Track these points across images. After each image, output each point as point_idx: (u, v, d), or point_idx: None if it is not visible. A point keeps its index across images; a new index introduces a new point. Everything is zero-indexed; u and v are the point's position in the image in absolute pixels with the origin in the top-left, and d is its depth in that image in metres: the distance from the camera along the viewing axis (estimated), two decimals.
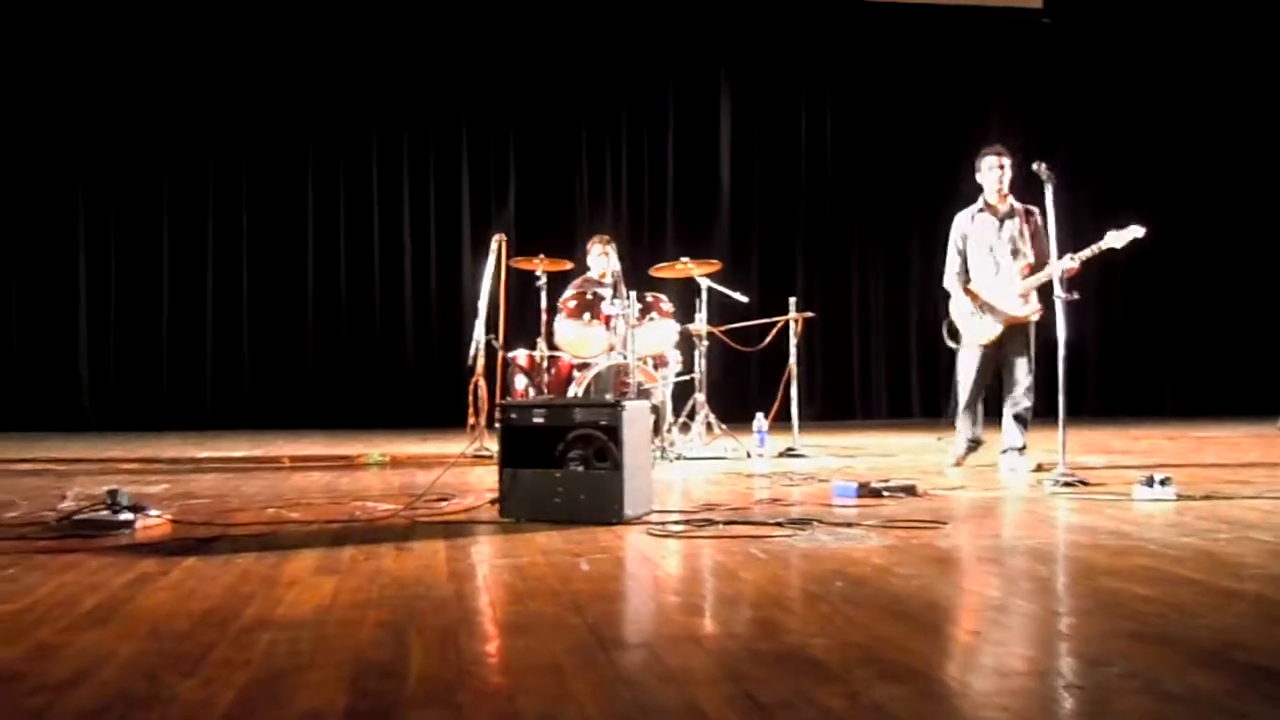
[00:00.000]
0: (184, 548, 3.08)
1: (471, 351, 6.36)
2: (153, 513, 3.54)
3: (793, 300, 6.62)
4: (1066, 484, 4.39)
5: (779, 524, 3.42)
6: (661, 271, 6.65)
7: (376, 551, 3.00)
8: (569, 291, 6.41)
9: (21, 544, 3.16)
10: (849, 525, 3.42)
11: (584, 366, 6.21)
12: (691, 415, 6.42)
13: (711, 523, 3.48)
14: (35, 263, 9.47)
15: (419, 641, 2.01)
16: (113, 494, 3.51)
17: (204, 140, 9.69)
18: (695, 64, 10.45)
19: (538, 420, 3.58)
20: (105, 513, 3.41)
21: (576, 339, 6.22)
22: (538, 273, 6.52)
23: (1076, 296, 4.68)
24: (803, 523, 3.44)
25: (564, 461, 3.52)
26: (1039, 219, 5.25)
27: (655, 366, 6.25)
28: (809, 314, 6.67)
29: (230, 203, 9.75)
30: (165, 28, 9.54)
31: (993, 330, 5.30)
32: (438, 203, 10.07)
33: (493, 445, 6.00)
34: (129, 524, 3.36)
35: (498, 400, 6.14)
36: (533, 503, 3.55)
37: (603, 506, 3.46)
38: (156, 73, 9.57)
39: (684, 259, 6.57)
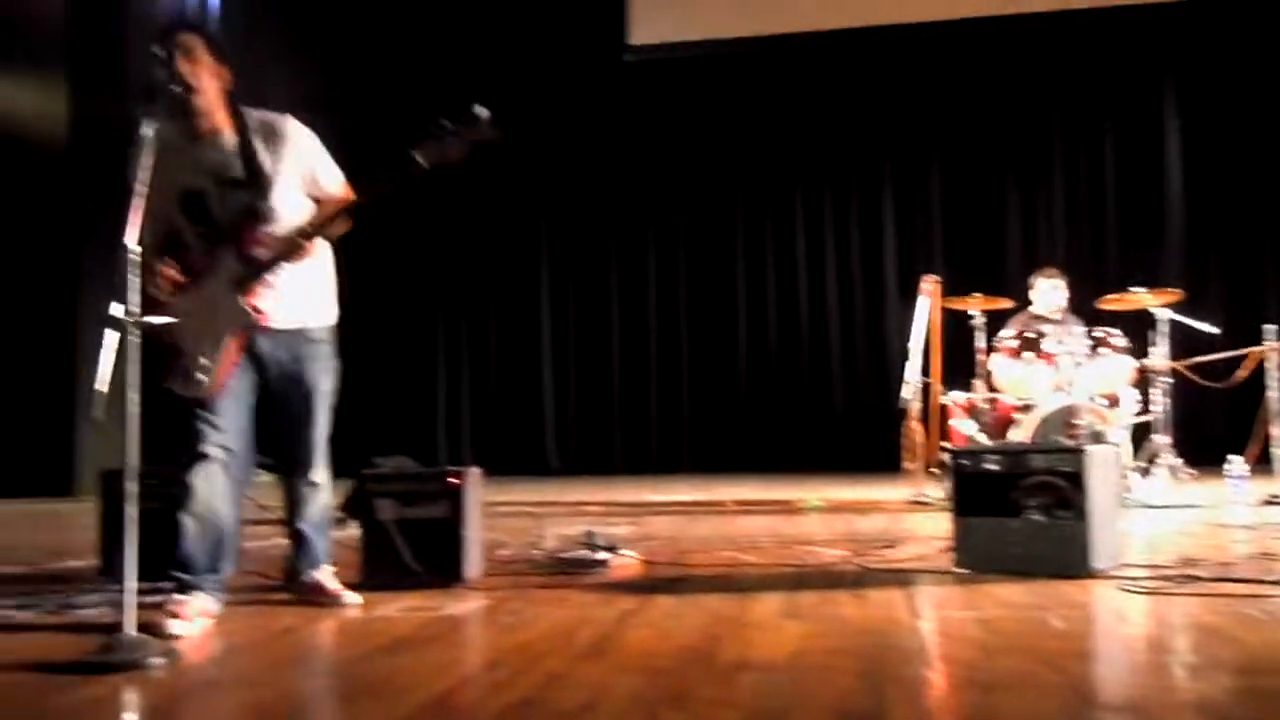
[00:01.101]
0: (655, 586, 3.30)
1: (906, 395, 6.31)
2: (624, 552, 3.82)
3: (1269, 329, 5.94)
4: None
5: (1277, 582, 3.06)
6: (1111, 303, 6.23)
7: (834, 598, 3.05)
8: (1008, 330, 6.18)
9: (517, 580, 3.53)
10: None
11: (1027, 408, 5.94)
12: (1152, 459, 5.93)
13: (1192, 578, 3.18)
14: (506, 322, 10.59)
15: (896, 693, 2.02)
16: (589, 535, 3.85)
17: (643, 196, 10.40)
18: (1135, 76, 9.73)
19: (991, 466, 3.47)
20: (584, 552, 3.74)
21: (1018, 379, 5.97)
22: (973, 312, 6.36)
23: None
24: None
25: (1021, 510, 3.38)
26: None
27: (1108, 407, 5.85)
28: None
29: (668, 254, 10.38)
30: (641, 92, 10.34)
31: None
32: (862, 242, 10.11)
33: (930, 491, 5.91)
34: (604, 563, 3.66)
35: (937, 444, 6.05)
36: (988, 553, 3.44)
37: (1067, 559, 3.28)
38: (616, 137, 10.40)
39: (1136, 288, 6.11)
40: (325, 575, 3.19)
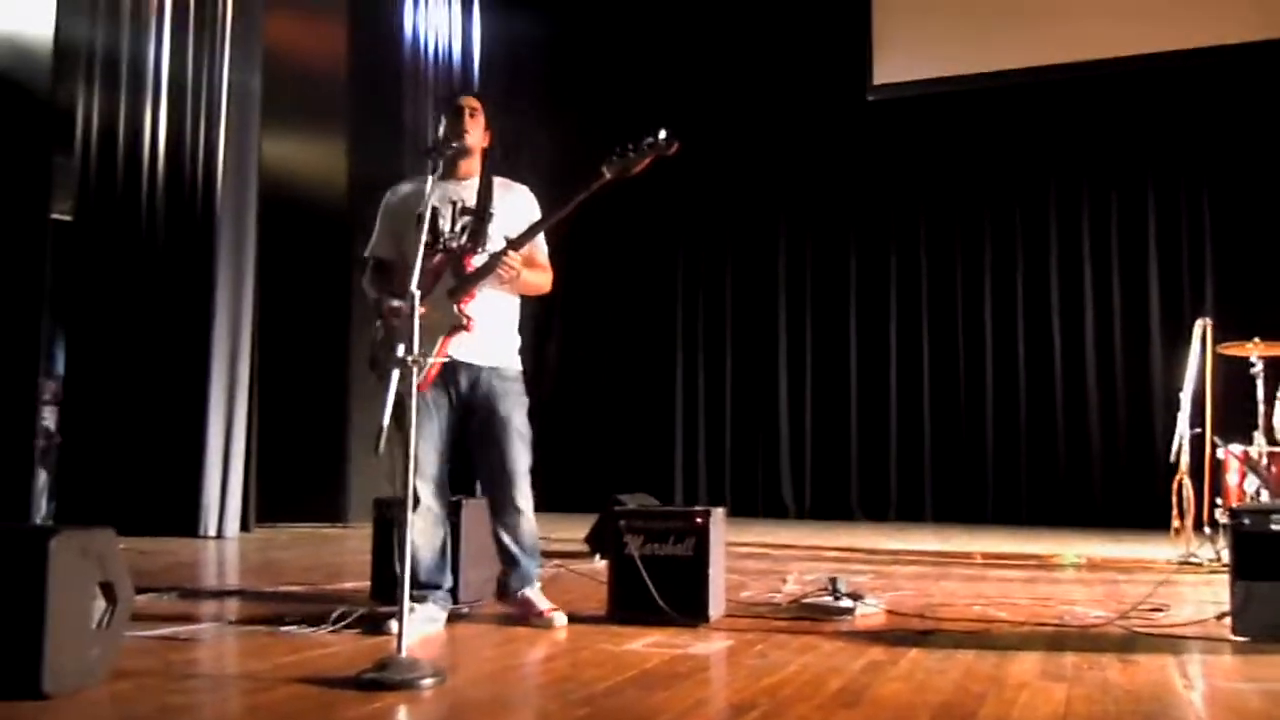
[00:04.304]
0: (904, 639, 3.22)
1: (1175, 447, 5.91)
2: (869, 601, 3.75)
3: None
4: None
5: None
6: None
7: (1099, 661, 2.89)
8: None
9: (759, 622, 3.53)
10: None
11: None
12: None
13: None
14: (743, 362, 10.64)
15: None
16: (833, 581, 3.80)
17: (885, 235, 10.24)
18: None
19: (1277, 526, 3.21)
20: (828, 599, 3.70)
21: None
22: (1252, 358, 5.91)
23: None
24: None
25: None
26: None
27: None
28: None
29: (910, 295, 10.16)
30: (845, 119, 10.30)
31: None
32: (1123, 280, 9.55)
33: (1202, 551, 5.49)
34: (849, 611, 3.60)
35: (1210, 501, 5.63)
36: (1272, 621, 3.16)
37: None
38: (840, 167, 10.35)
39: None
40: (535, 593, 3.53)
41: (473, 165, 3.59)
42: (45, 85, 6.95)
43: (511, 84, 10.38)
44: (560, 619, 3.42)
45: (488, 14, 9.99)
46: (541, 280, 3.60)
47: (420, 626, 3.21)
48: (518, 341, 3.64)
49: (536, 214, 3.59)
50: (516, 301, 3.64)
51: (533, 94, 10.67)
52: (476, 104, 3.61)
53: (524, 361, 3.67)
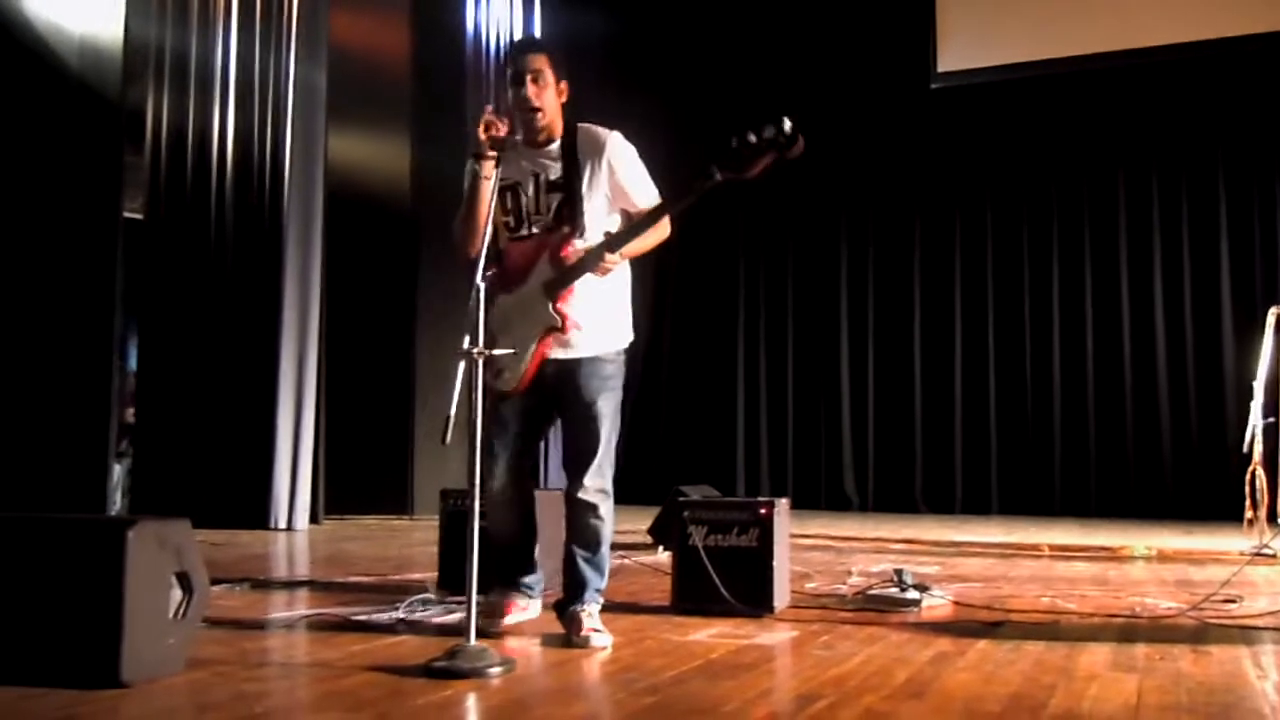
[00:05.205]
0: (971, 630, 3.19)
1: (1248, 437, 5.78)
2: (936, 593, 3.72)
3: None
4: None
5: None
6: None
7: (1171, 652, 2.84)
8: None
9: (825, 614, 3.52)
10: None
11: None
12: None
13: None
14: (804, 353, 10.57)
15: None
16: (899, 573, 3.77)
17: (948, 225, 10.11)
18: None
19: None
20: (894, 590, 3.67)
21: None
22: None
23: None
24: None
25: None
26: None
27: None
28: None
29: (975, 282, 10.03)
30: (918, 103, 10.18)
31: None
32: (1193, 270, 9.34)
33: (1275, 542, 5.36)
34: (916, 602, 3.58)
35: None
36: None
37: None
38: (906, 157, 10.24)
39: None
40: (586, 613, 3.04)
41: (554, 128, 3.17)
42: (116, 86, 7.10)
43: (573, 78, 10.39)
44: (600, 640, 2.92)
45: (549, 7, 10.02)
46: (657, 237, 3.15)
47: (514, 616, 3.22)
48: (625, 316, 3.24)
49: (630, 161, 3.17)
50: (627, 270, 3.21)
51: (595, 88, 10.67)
52: (540, 63, 3.13)
53: None
